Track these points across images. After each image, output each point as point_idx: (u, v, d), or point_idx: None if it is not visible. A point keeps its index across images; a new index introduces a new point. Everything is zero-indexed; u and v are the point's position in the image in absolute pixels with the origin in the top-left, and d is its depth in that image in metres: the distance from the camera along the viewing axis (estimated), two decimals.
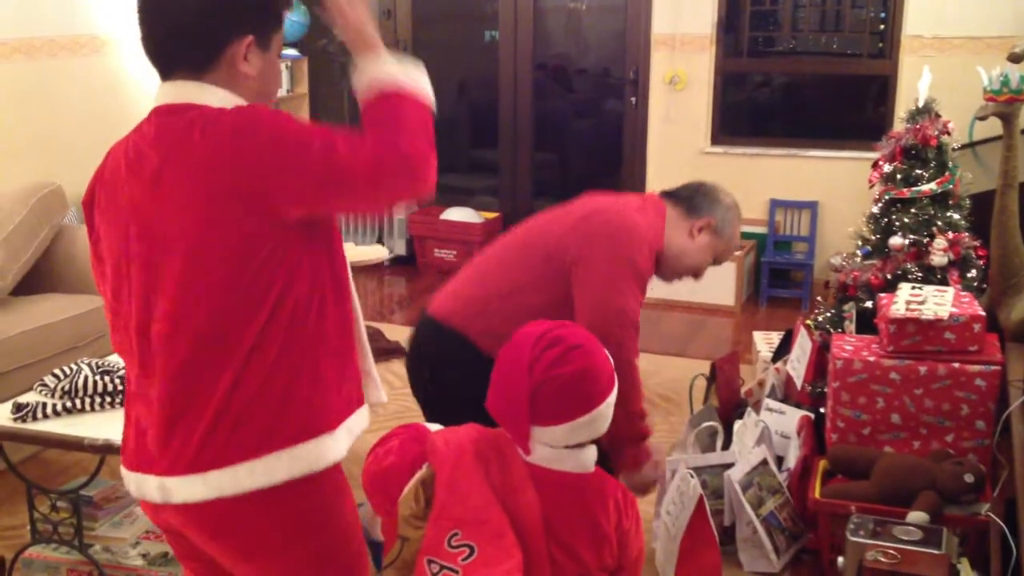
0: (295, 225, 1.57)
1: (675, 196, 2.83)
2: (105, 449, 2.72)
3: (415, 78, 1.67)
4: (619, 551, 1.73)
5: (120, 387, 2.89)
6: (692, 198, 2.81)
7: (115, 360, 3.12)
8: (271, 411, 1.59)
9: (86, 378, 2.87)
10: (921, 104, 3.23)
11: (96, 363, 3.00)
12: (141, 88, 5.44)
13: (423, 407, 2.84)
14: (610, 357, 1.74)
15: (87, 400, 2.84)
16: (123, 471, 1.72)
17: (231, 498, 1.59)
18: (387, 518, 1.78)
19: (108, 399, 2.88)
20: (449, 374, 2.67)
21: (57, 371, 2.91)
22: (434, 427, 1.82)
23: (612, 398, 1.71)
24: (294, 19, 6.23)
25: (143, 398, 1.66)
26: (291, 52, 6.33)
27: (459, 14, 6.95)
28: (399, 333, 5.05)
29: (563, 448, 1.69)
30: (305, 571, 1.69)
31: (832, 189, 5.58)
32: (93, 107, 5.19)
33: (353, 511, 1.74)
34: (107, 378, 2.91)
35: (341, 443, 1.67)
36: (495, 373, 1.71)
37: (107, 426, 2.79)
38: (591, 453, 1.73)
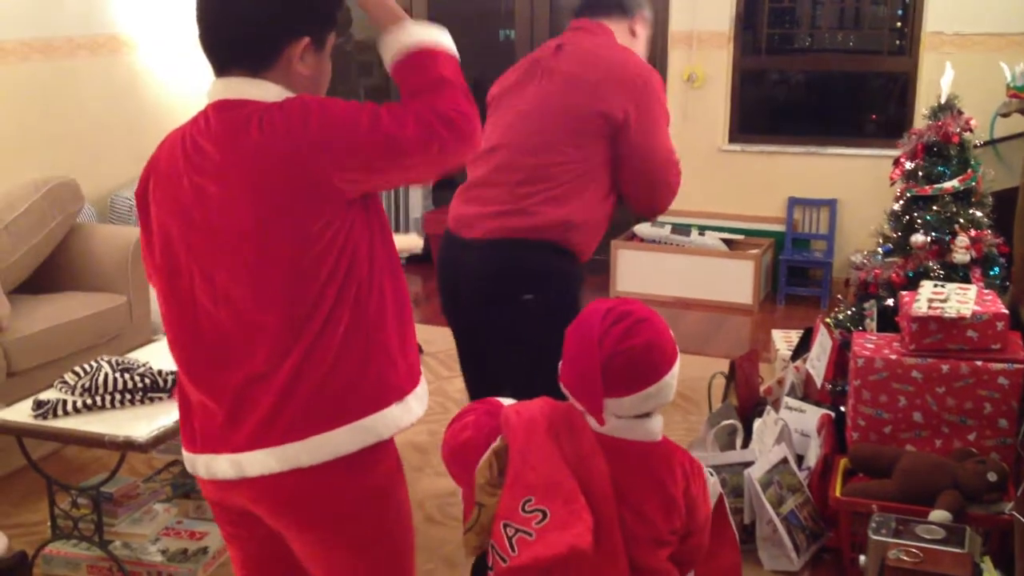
0: (354, 205, 1.65)
1: (604, 8, 2.66)
2: (125, 446, 2.73)
3: (438, 37, 1.79)
4: (687, 516, 1.80)
5: (140, 384, 2.90)
6: (619, 3, 2.67)
7: (135, 357, 3.14)
8: (341, 385, 1.66)
9: (106, 375, 2.88)
10: (943, 101, 3.21)
11: (116, 360, 3.01)
12: (160, 88, 5.46)
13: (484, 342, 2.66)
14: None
15: (107, 397, 2.85)
16: (186, 455, 1.77)
17: (304, 469, 1.65)
18: (466, 488, 1.84)
19: (128, 396, 2.89)
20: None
21: (77, 368, 2.92)
22: (507, 401, 1.88)
23: (676, 368, 1.77)
24: None
25: (208, 383, 1.70)
26: None
27: (475, 13, 6.95)
28: (417, 331, 5.04)
29: (632, 418, 1.76)
30: (371, 538, 1.76)
31: (851, 187, 5.55)
32: (111, 107, 5.21)
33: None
34: (127, 375, 2.92)
35: (412, 411, 1.76)
36: (566, 349, 1.78)
37: (127, 423, 2.80)
38: (658, 423, 1.79)
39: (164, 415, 2.86)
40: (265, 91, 1.67)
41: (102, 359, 2.99)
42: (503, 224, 2.51)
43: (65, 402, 2.79)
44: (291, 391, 1.64)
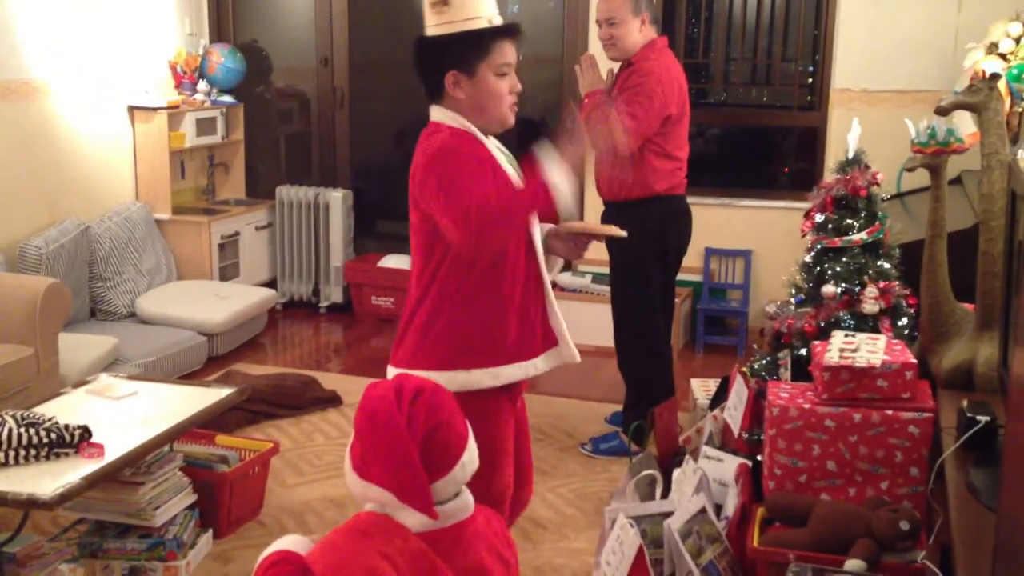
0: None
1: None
2: (28, 504, 2.64)
3: (561, 198, 2.36)
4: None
5: (45, 439, 2.81)
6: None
7: (41, 412, 3.04)
8: (434, 337, 2.46)
9: (10, 431, 2.79)
10: (851, 155, 3.30)
11: (21, 415, 2.91)
12: (73, 134, 5.35)
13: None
14: None
15: (11, 453, 2.76)
16: None
17: None
18: None
19: (33, 452, 2.80)
20: None
21: None
22: (298, 543, 1.71)
23: (471, 432, 1.77)
24: (230, 65, 6.21)
25: None
26: (227, 98, 6.30)
27: (397, 61, 6.97)
28: (336, 382, 4.99)
29: (453, 498, 1.69)
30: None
31: (765, 238, 5.68)
32: (22, 154, 5.07)
33: (502, 437, 2.49)
34: (32, 431, 2.83)
35: (505, 378, 2.47)
36: (367, 445, 1.66)
37: (31, 480, 2.71)
38: (469, 496, 1.74)
39: (71, 471, 2.78)
40: (442, 114, 2.48)
41: (6, 413, 2.89)
42: None
43: None
44: (405, 330, 2.53)
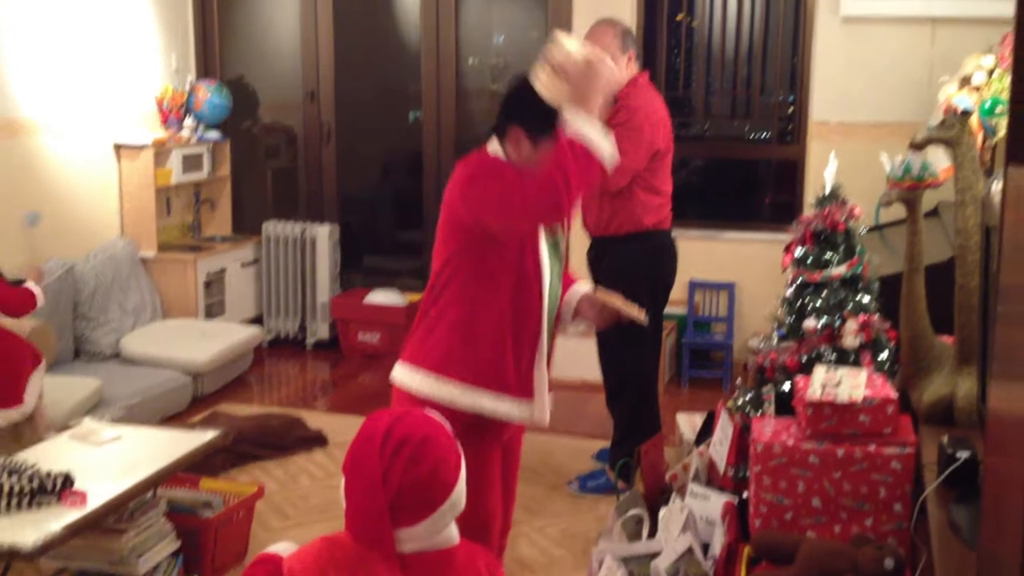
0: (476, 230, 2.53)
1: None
2: (9, 555, 2.62)
3: (601, 145, 2.41)
4: None
5: (27, 488, 2.80)
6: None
7: (23, 459, 3.02)
8: (433, 343, 2.60)
9: None
10: (828, 190, 3.33)
11: (2, 462, 2.90)
12: (60, 172, 5.36)
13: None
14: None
15: None
16: None
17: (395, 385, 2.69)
18: None
19: (15, 500, 2.78)
20: None
21: None
22: (286, 549, 1.80)
23: (463, 473, 1.75)
24: (216, 102, 6.23)
25: None
26: (213, 134, 6.31)
27: (383, 95, 7.02)
28: (322, 421, 4.98)
29: (428, 538, 1.71)
30: None
31: (748, 270, 5.70)
32: (7, 193, 5.07)
33: (483, 465, 2.54)
34: (13, 478, 2.81)
35: (473, 402, 2.57)
36: (347, 489, 1.72)
37: (12, 530, 2.69)
38: (454, 528, 1.75)
39: (53, 520, 2.76)
40: (495, 149, 2.62)
41: None
42: None
43: None
44: (415, 328, 2.67)
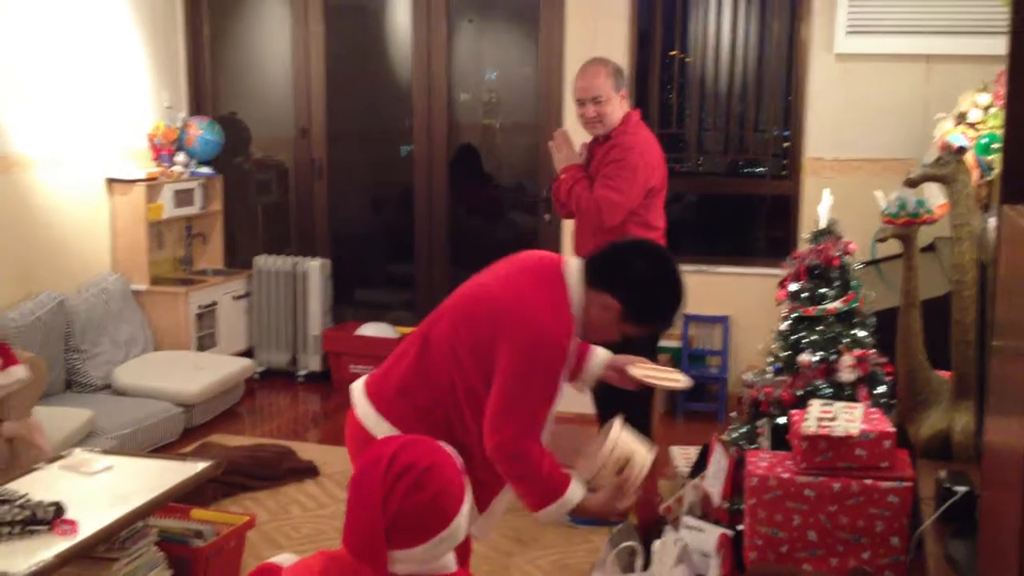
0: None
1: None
2: None
3: (554, 512, 2.46)
4: None
5: (19, 517, 2.77)
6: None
7: (14, 489, 3.00)
8: (414, 409, 2.50)
9: None
10: (823, 226, 3.35)
11: None
12: (50, 206, 5.35)
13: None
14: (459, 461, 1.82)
15: None
16: None
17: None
18: None
19: (6, 529, 2.76)
20: None
21: None
22: (287, 560, 1.83)
23: (467, 506, 1.76)
24: (208, 138, 6.25)
25: None
26: (205, 170, 6.32)
27: (374, 129, 7.05)
28: (313, 452, 4.95)
29: (424, 563, 1.73)
30: None
31: (742, 304, 5.71)
32: (3, 223, 5.07)
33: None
34: (4, 507, 2.79)
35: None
36: (349, 507, 1.74)
37: (3, 559, 2.66)
38: (451, 558, 1.77)
39: (44, 549, 2.74)
40: (575, 286, 2.47)
41: None
42: None
43: None
44: (396, 380, 2.55)
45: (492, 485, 2.55)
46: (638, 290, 2.47)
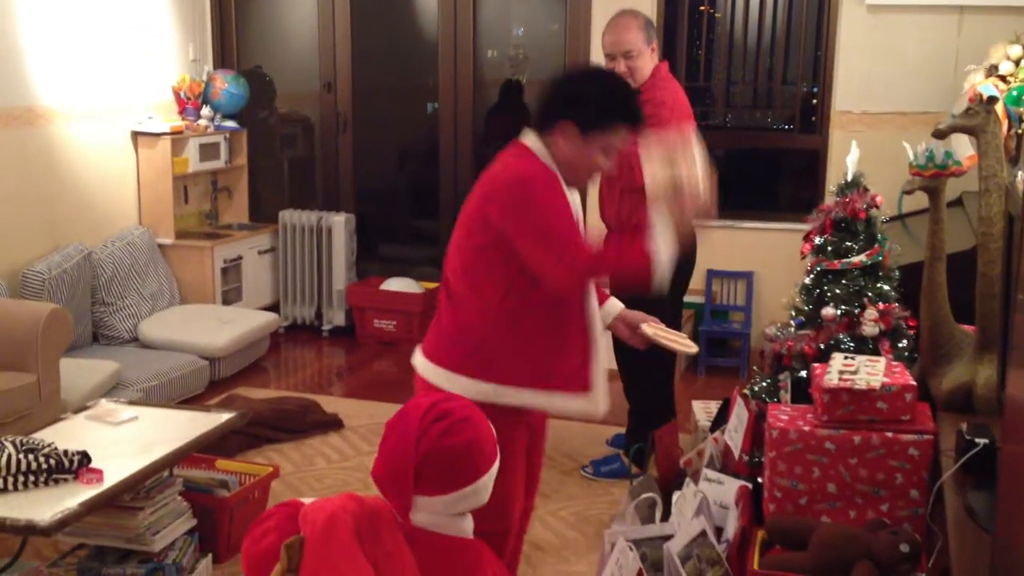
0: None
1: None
2: (27, 530, 2.64)
3: (662, 264, 2.46)
4: None
5: (44, 465, 2.81)
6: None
7: (40, 437, 3.04)
8: (470, 343, 2.53)
9: (9, 457, 2.79)
10: (850, 178, 3.31)
11: (20, 441, 2.92)
12: (77, 159, 5.38)
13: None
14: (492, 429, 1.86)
15: (10, 479, 2.76)
16: None
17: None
18: None
19: (32, 478, 2.80)
20: None
21: None
22: (308, 500, 1.86)
23: (495, 469, 1.80)
24: (234, 91, 6.25)
25: None
26: (230, 124, 6.33)
27: (400, 86, 7.02)
28: (338, 405, 4.99)
29: (445, 516, 1.76)
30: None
31: (767, 259, 5.68)
32: (25, 180, 5.10)
33: (510, 453, 2.29)
34: (31, 456, 2.83)
35: (522, 400, 2.53)
36: (383, 443, 1.80)
37: (30, 506, 2.71)
38: (469, 523, 1.80)
39: (69, 497, 2.78)
40: (533, 143, 2.50)
41: (6, 440, 2.89)
42: None
43: None
44: (440, 319, 2.61)
45: (581, 352, 2.60)
46: (575, 97, 2.49)
